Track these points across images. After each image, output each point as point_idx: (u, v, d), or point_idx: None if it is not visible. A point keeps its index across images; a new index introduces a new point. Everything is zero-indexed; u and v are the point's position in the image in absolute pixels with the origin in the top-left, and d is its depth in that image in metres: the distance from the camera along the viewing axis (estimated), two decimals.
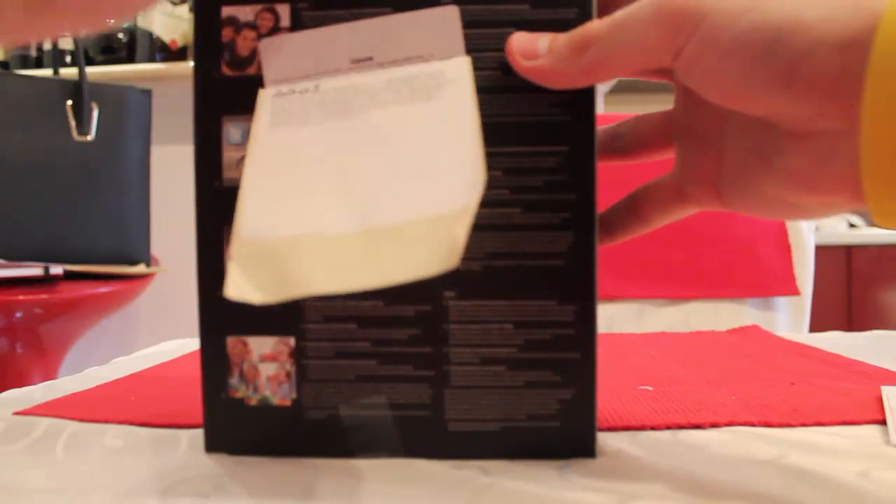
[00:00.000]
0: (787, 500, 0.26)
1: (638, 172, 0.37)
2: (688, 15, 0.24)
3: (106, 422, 0.37)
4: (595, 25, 0.27)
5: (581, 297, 0.30)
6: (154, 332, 1.69)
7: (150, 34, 1.67)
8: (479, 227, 0.29)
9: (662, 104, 0.32)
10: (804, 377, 0.45)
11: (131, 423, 0.36)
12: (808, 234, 0.98)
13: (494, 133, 0.29)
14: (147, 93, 1.38)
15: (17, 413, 0.38)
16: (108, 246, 1.32)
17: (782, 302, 0.98)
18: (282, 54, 0.30)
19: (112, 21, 0.28)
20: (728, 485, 0.27)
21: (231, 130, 0.30)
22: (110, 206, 1.32)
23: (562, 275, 0.30)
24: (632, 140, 0.33)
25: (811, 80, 0.22)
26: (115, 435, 0.35)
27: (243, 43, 0.30)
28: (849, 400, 0.38)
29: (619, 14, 0.26)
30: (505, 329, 0.30)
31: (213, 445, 0.31)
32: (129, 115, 1.34)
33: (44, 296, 1.26)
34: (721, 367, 0.49)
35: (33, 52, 1.72)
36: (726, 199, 0.29)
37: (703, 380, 0.45)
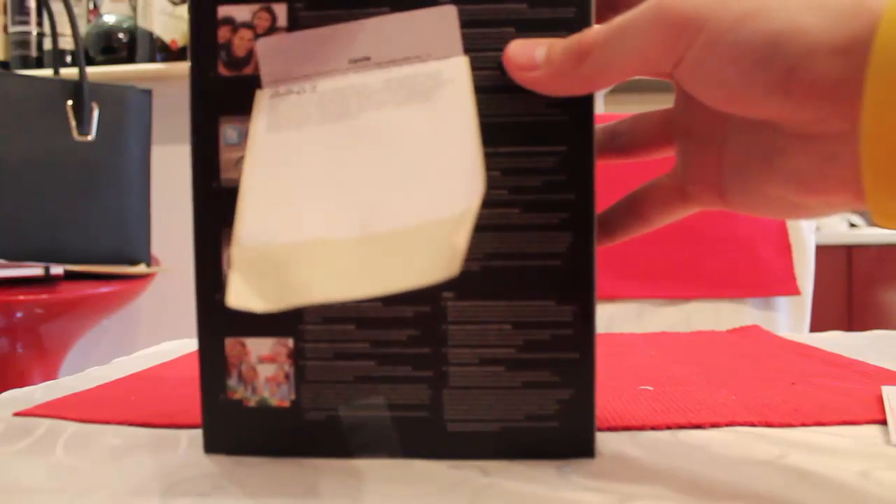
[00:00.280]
0: (787, 500, 0.26)
1: (638, 172, 0.37)
2: (687, 23, 0.24)
3: (106, 422, 0.37)
4: (593, 33, 0.27)
5: (580, 297, 0.30)
6: (154, 332, 1.69)
7: (150, 34, 1.67)
8: (478, 227, 0.29)
9: (662, 104, 0.32)
10: (805, 377, 0.45)
11: (131, 423, 0.36)
12: (808, 234, 0.98)
13: (493, 133, 0.29)
14: (147, 93, 1.38)
15: (18, 413, 0.38)
16: (109, 246, 1.32)
17: (783, 302, 0.98)
18: (279, 54, 0.30)
19: None
20: (728, 485, 0.27)
21: (228, 131, 0.30)
22: (110, 206, 1.32)
23: (560, 275, 0.29)
24: (631, 138, 0.33)
25: (810, 84, 0.22)
26: (115, 435, 0.35)
27: (240, 43, 0.30)
28: (849, 400, 0.38)
29: (618, 21, 0.26)
30: (504, 329, 0.30)
31: (211, 446, 0.31)
32: (130, 115, 1.34)
33: (44, 296, 1.26)
34: (721, 367, 0.49)
35: (33, 52, 1.72)
36: (727, 199, 0.29)
37: (703, 380, 0.45)
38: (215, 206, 0.30)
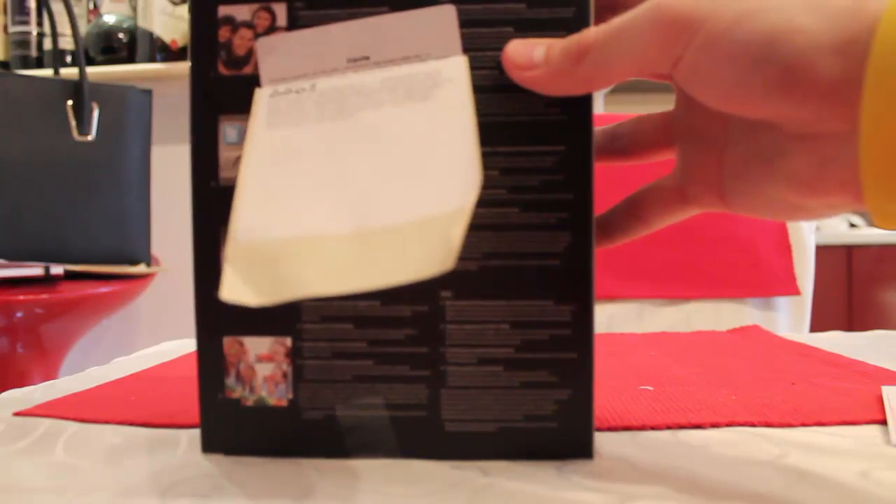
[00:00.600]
0: (787, 500, 0.26)
1: (638, 173, 0.37)
2: (685, 23, 0.24)
3: (106, 422, 0.37)
4: (592, 34, 0.27)
5: (578, 297, 0.29)
6: (154, 332, 1.69)
7: (150, 34, 1.67)
8: (476, 226, 0.29)
9: (663, 104, 0.32)
10: (805, 377, 0.45)
11: (131, 423, 0.36)
12: (808, 234, 0.98)
13: (491, 132, 0.29)
14: (147, 93, 1.38)
15: (18, 413, 0.38)
16: (109, 246, 1.32)
17: (783, 302, 0.98)
18: (278, 54, 0.30)
19: None
20: (728, 485, 0.27)
21: (228, 130, 0.30)
22: (110, 206, 1.32)
23: (559, 275, 0.29)
24: (632, 140, 0.33)
25: (808, 84, 0.22)
26: (115, 435, 0.35)
27: (240, 42, 0.30)
28: (849, 400, 0.38)
29: (616, 22, 0.26)
30: (502, 329, 0.30)
31: (209, 446, 0.31)
32: (130, 115, 1.34)
33: (44, 296, 1.26)
34: (721, 367, 0.49)
35: (33, 52, 1.72)
36: (728, 201, 0.29)
37: (703, 380, 0.45)
38: (214, 205, 0.30)
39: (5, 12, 1.69)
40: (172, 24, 1.67)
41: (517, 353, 0.30)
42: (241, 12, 0.30)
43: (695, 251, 0.97)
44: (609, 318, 0.97)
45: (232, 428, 0.31)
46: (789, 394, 0.40)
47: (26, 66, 1.70)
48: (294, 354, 0.30)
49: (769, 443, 0.32)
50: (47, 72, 1.48)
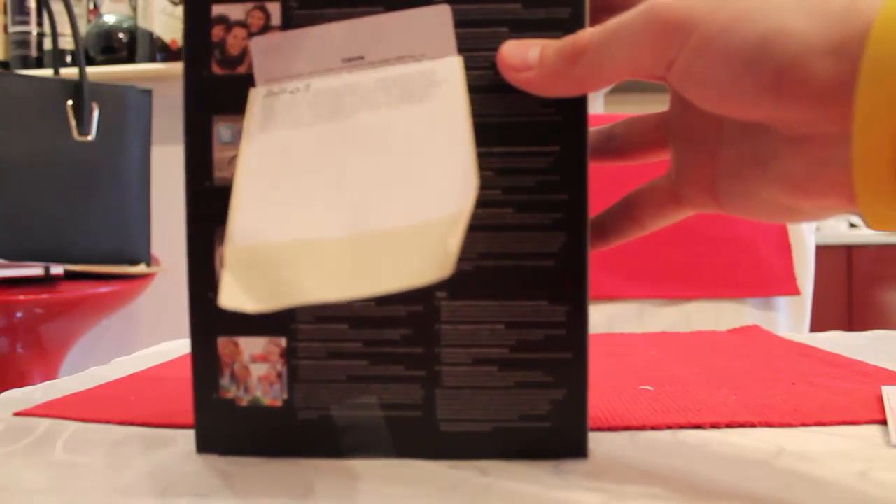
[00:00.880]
0: (787, 500, 0.26)
1: (634, 174, 0.37)
2: (679, 26, 0.24)
3: (106, 422, 0.37)
4: (587, 35, 0.27)
5: (573, 297, 0.29)
6: (154, 332, 1.68)
7: (150, 34, 1.67)
8: (471, 227, 0.29)
9: (662, 104, 0.32)
10: (805, 377, 0.45)
11: (131, 423, 0.36)
12: (808, 234, 0.98)
13: (486, 133, 0.29)
14: (147, 93, 1.38)
15: (18, 413, 0.38)
16: (109, 246, 1.32)
17: (783, 302, 0.98)
18: (273, 53, 0.30)
19: None
20: (728, 485, 0.27)
21: (222, 130, 0.30)
22: (111, 206, 1.31)
23: (553, 275, 0.29)
24: (627, 141, 0.33)
25: (801, 86, 0.22)
26: (114, 435, 0.35)
27: (234, 42, 0.30)
28: (849, 400, 0.38)
29: (611, 24, 0.26)
30: (496, 329, 0.30)
31: (204, 446, 0.31)
32: (130, 115, 1.34)
33: (44, 296, 1.26)
34: (721, 367, 0.49)
35: (33, 52, 1.72)
36: (722, 202, 0.29)
37: (703, 380, 0.45)
38: (208, 205, 0.30)
39: (5, 12, 1.69)
40: (172, 24, 1.67)
41: (512, 354, 0.30)
42: (235, 11, 0.30)
43: (695, 251, 0.97)
44: (609, 318, 0.97)
45: (226, 428, 0.31)
46: (789, 394, 0.40)
47: (26, 66, 1.70)
48: (289, 354, 0.31)
49: (769, 443, 0.32)
50: (47, 72, 1.48)
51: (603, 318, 0.97)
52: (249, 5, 0.30)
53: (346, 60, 0.29)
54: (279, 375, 0.31)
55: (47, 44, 1.68)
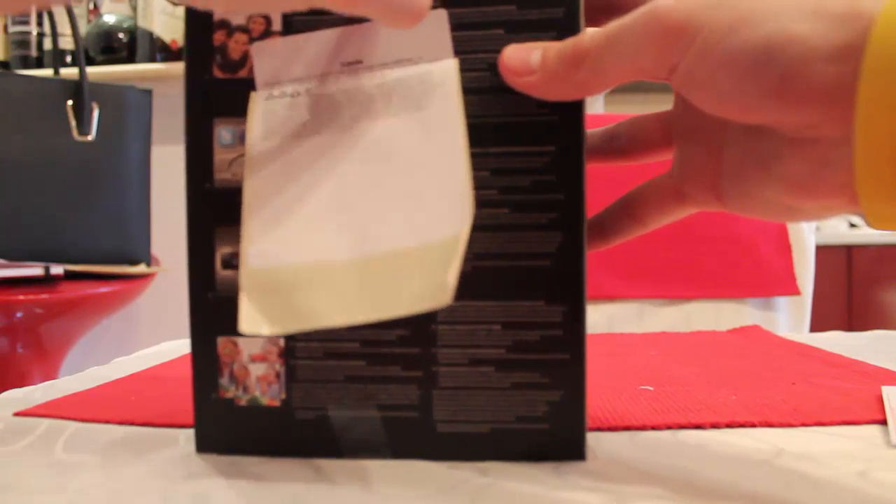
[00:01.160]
0: (787, 500, 0.26)
1: (634, 174, 0.37)
2: (681, 30, 0.24)
3: (106, 422, 0.37)
4: (588, 38, 0.27)
5: (569, 297, 0.29)
6: (154, 332, 1.69)
7: (150, 34, 1.67)
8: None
9: (663, 104, 0.32)
10: (805, 377, 0.45)
11: (131, 423, 0.36)
12: (808, 234, 0.98)
13: (483, 134, 0.29)
14: (147, 93, 1.38)
15: (18, 413, 0.38)
16: (109, 246, 1.32)
17: (783, 302, 0.98)
18: (273, 58, 0.30)
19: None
20: (728, 485, 0.27)
21: (222, 133, 0.31)
22: (111, 206, 1.32)
23: (550, 275, 0.29)
24: (630, 140, 0.33)
25: (804, 90, 0.22)
26: (114, 434, 0.35)
27: (235, 46, 0.30)
28: (849, 400, 0.38)
29: (612, 27, 0.26)
30: (493, 330, 0.30)
31: (203, 446, 0.31)
32: (130, 115, 1.34)
33: (44, 296, 1.26)
34: (721, 367, 0.49)
35: (33, 52, 1.72)
36: (725, 201, 0.29)
37: (703, 380, 0.45)
38: (208, 207, 0.31)
39: None
40: (172, 24, 1.67)
41: (509, 354, 0.30)
42: (237, 17, 0.30)
43: (695, 251, 0.97)
44: (609, 318, 0.97)
45: (226, 428, 0.31)
46: (789, 394, 0.40)
47: (26, 66, 1.70)
48: (287, 354, 0.31)
49: (769, 443, 0.32)
50: (47, 72, 1.48)
51: (603, 318, 0.97)
52: None
53: (345, 65, 0.30)
54: (277, 375, 0.31)
55: (47, 44, 1.68)
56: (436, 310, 0.24)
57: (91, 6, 1.75)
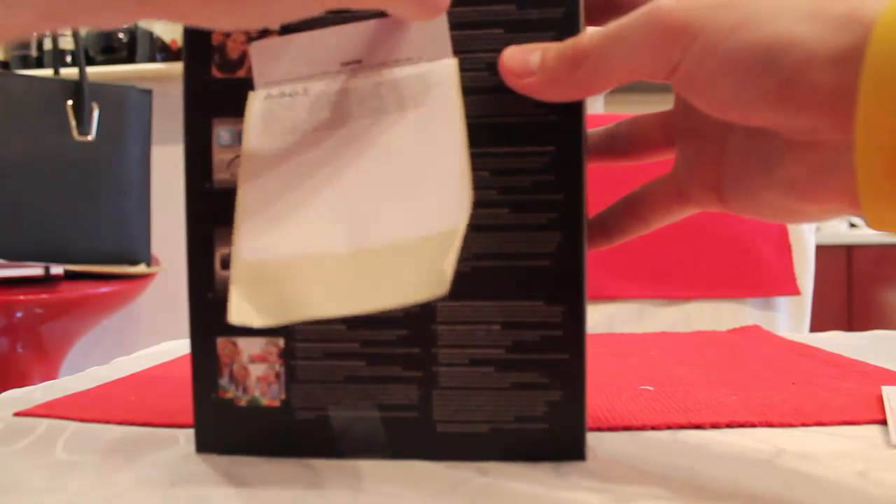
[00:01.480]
0: (787, 500, 0.26)
1: (634, 174, 0.37)
2: (681, 32, 0.24)
3: (106, 422, 0.37)
4: (587, 39, 0.27)
5: (569, 297, 0.29)
6: (154, 332, 1.69)
7: (150, 34, 1.67)
8: (467, 227, 0.29)
9: (663, 104, 0.32)
10: (805, 377, 0.45)
11: (131, 423, 0.36)
12: (808, 234, 0.98)
13: (482, 134, 0.29)
14: (147, 93, 1.38)
15: (18, 413, 0.38)
16: (109, 246, 1.32)
17: (783, 302, 0.98)
18: (272, 57, 0.30)
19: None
20: (728, 484, 0.27)
21: (221, 132, 0.31)
22: (111, 206, 1.32)
23: (549, 275, 0.29)
24: (632, 140, 0.33)
25: (805, 94, 0.22)
26: (114, 434, 0.35)
27: (233, 46, 0.30)
28: (849, 400, 0.38)
29: (613, 28, 0.26)
30: (493, 330, 0.30)
31: (203, 446, 0.31)
32: (130, 115, 1.34)
33: (44, 296, 1.26)
34: (721, 367, 0.49)
35: (33, 52, 1.72)
36: (726, 202, 0.29)
37: (703, 380, 0.45)
38: (208, 207, 0.31)
39: None
40: (172, 24, 1.67)
41: (508, 354, 0.30)
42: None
43: (695, 251, 0.97)
44: (609, 318, 0.97)
45: (225, 428, 0.31)
46: (789, 394, 0.40)
47: (26, 66, 1.70)
48: (287, 355, 0.31)
49: (769, 443, 0.32)
50: (47, 72, 1.48)
51: (603, 318, 0.97)
52: None
53: (344, 64, 0.30)
54: (277, 376, 0.31)
55: (47, 44, 1.68)
56: (432, 300, 0.24)
57: None
